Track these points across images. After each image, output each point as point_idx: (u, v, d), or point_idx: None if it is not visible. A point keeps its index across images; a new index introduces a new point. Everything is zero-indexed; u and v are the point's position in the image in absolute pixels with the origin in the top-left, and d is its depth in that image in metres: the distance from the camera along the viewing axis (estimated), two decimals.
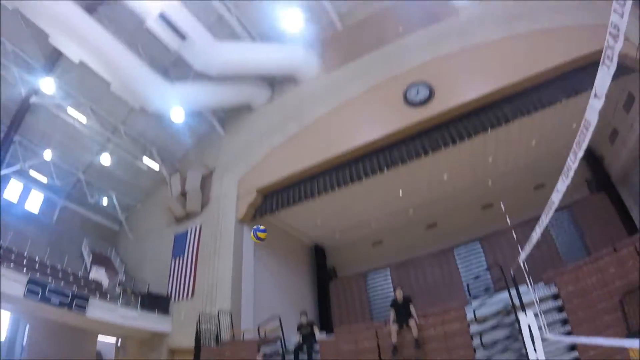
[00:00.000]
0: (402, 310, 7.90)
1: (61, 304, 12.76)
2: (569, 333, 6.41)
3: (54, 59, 15.14)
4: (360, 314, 17.02)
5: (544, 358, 5.30)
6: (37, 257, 15.18)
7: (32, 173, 18.71)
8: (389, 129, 12.82)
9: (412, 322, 7.53)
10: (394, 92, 13.06)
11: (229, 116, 17.70)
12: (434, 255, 16.87)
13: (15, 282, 11.80)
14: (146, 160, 18.66)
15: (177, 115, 15.13)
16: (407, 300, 8.06)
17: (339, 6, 15.89)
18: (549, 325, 5.94)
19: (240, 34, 15.88)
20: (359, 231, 17.82)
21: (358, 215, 16.47)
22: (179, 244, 16.18)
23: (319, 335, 9.08)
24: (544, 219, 4.61)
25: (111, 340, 19.82)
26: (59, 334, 16.52)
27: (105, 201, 21.66)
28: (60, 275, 14.90)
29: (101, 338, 19.31)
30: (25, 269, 12.97)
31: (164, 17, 12.98)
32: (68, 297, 12.96)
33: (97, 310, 13.79)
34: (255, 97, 16.94)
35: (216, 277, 14.09)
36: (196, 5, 14.08)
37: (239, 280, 13.71)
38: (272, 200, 14.14)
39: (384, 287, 17.19)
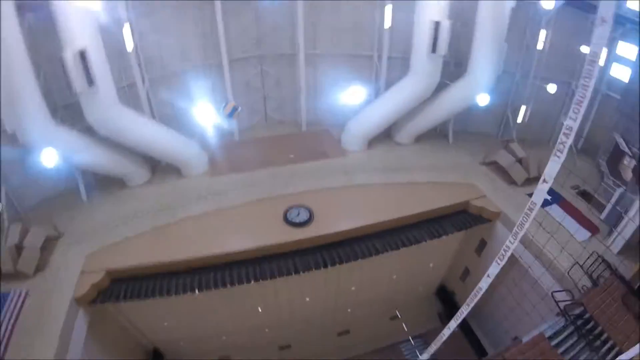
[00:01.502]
0: None
1: None
2: None
3: None
4: None
5: None
6: None
7: None
8: (263, 242, 13.05)
9: None
10: (274, 210, 13.80)
11: (99, 184, 16.21)
12: None
13: None
14: None
15: (49, 159, 13.29)
16: None
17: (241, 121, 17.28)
18: None
19: (144, 109, 15.80)
20: (207, 343, 17.02)
21: (210, 324, 15.84)
22: None
23: None
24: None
25: None
26: None
27: None
28: None
29: None
30: None
31: (83, 55, 12.15)
32: None
33: None
34: (133, 175, 16.08)
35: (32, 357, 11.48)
36: (117, 63, 13.98)
37: None
38: (121, 288, 12.63)
39: None
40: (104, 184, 16.09)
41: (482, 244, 15.34)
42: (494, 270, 3.60)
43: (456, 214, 14.25)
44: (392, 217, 13.58)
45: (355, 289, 15.72)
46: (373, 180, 15.20)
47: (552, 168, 3.13)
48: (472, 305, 3.94)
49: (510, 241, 3.60)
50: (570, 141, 2.91)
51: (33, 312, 12.61)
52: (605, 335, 9.48)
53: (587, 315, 9.87)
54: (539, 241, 12.29)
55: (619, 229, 12.46)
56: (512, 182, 15.48)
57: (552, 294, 10.80)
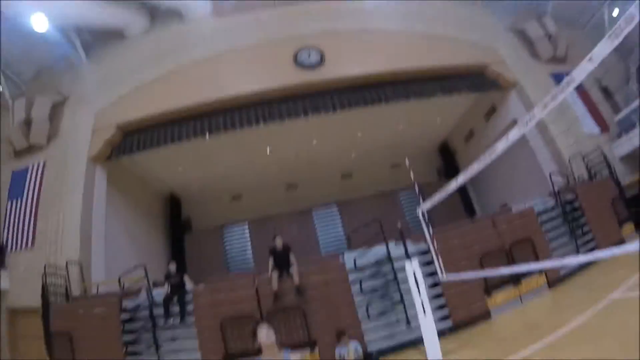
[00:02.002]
0: (282, 259, 7.95)
1: None
2: (437, 283, 7.71)
3: None
4: (216, 267, 17.10)
5: (427, 299, 6.04)
6: None
7: None
8: (272, 84, 12.44)
9: (293, 270, 7.65)
10: (284, 51, 12.91)
11: (96, 41, 14.61)
12: (293, 215, 17.97)
13: None
14: None
15: (39, 24, 12.23)
16: (286, 249, 8.10)
17: None
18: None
19: None
20: (219, 183, 17.66)
21: (221, 166, 16.15)
22: (17, 183, 13.59)
23: (190, 284, 8.56)
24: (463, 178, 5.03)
25: None
26: None
27: None
28: None
29: None
30: None
31: None
32: None
33: None
34: (131, 24, 14.28)
35: (62, 223, 12.21)
36: None
37: (88, 228, 12.11)
38: (133, 139, 12.46)
39: (241, 242, 17.80)
40: (101, 39, 14.55)
41: (492, 110, 14.95)
42: (514, 135, 3.16)
43: (472, 75, 13.53)
44: (406, 67, 12.92)
45: (361, 135, 15.68)
46: (391, 25, 13.82)
47: (603, 49, 2.54)
48: (484, 164, 3.67)
49: (536, 111, 3.24)
50: (629, 29, 2.36)
51: (53, 180, 12.86)
52: (587, 228, 9.51)
53: (576, 204, 9.96)
54: (548, 119, 11.89)
55: (630, 134, 12.14)
56: (536, 55, 14.39)
57: (549, 174, 10.67)
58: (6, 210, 13.59)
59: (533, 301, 7.99)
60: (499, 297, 7.96)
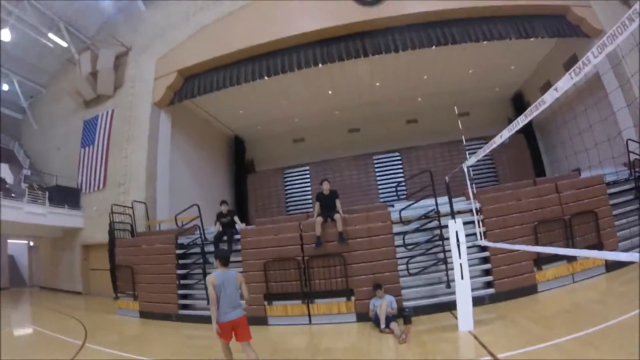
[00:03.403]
0: (327, 204, 7.63)
1: None
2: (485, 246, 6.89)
3: None
4: (276, 208, 17.41)
5: (467, 262, 5.56)
6: None
7: None
8: (333, 22, 11.62)
9: (337, 216, 7.31)
10: None
11: None
12: (354, 159, 17.40)
13: None
14: (52, 37, 15.80)
15: None
16: (333, 194, 7.76)
17: None
18: (468, 235, 6.09)
19: None
20: (282, 126, 17.61)
21: (283, 109, 15.90)
22: (89, 131, 14.36)
23: (240, 225, 8.60)
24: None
25: (23, 242, 18.58)
26: None
27: (5, 87, 18.81)
28: None
29: (12, 241, 18.09)
30: None
31: None
32: None
33: (2, 210, 12.06)
34: None
35: (130, 165, 12.91)
36: None
37: (154, 169, 12.69)
38: (194, 84, 12.63)
39: (302, 184, 17.64)
40: None
41: (573, 60, 12.61)
42: (564, 83, 2.21)
43: (552, 17, 11.69)
44: (478, 4, 11.31)
45: (427, 78, 14.41)
46: None
47: None
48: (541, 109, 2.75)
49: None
50: None
51: (121, 126, 13.54)
52: None
53: None
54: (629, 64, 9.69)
55: None
56: (627, 4, 11.61)
57: (627, 141, 8.74)
58: (80, 156, 14.34)
59: (586, 282, 6.92)
60: (550, 271, 6.92)
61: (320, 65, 11.66)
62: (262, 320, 7.38)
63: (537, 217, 7.14)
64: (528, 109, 3.25)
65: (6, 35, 15.27)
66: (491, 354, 4.19)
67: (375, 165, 17.07)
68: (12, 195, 13.22)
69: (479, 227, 5.70)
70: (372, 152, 17.11)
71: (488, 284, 6.93)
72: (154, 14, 14.28)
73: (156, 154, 12.78)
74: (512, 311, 5.86)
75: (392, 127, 17.13)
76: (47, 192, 13.83)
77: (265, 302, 7.49)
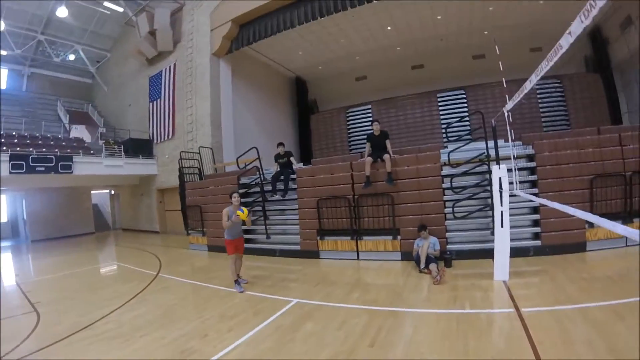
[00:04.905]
0: (378, 144, 7.69)
1: (47, 170, 12.89)
2: (535, 195, 6.44)
3: None
4: (339, 147, 17.79)
5: (508, 210, 5.34)
6: (14, 132, 14.82)
7: None
8: None
9: (386, 157, 7.34)
10: None
11: None
12: (417, 97, 16.80)
13: None
14: (108, 4, 16.83)
15: None
16: (383, 135, 7.76)
17: None
18: (519, 183, 5.85)
19: None
20: (343, 64, 17.48)
21: (343, 48, 15.76)
22: (155, 86, 15.60)
23: (296, 165, 9.01)
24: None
25: (105, 191, 20.78)
26: (54, 200, 17.14)
27: (72, 57, 20.47)
28: (40, 142, 14.68)
29: (95, 191, 20.28)
30: (4, 147, 12.46)
31: None
32: (52, 161, 13.02)
33: (84, 167, 14.02)
34: None
35: (195, 114, 14.03)
36: None
37: (218, 116, 13.70)
38: (249, 31, 13.11)
39: (364, 123, 17.39)
40: None
41: None
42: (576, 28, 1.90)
43: None
44: None
45: (493, 9, 13.36)
46: None
47: None
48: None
49: None
50: None
51: (184, 78, 14.52)
52: None
53: None
54: None
55: None
56: None
57: None
58: (149, 110, 15.62)
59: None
60: (602, 230, 6.33)
61: (374, 1, 11.19)
62: (314, 254, 7.87)
63: (597, 169, 6.55)
64: (550, 52, 2.72)
65: (63, 11, 16.56)
66: (516, 307, 4.14)
67: (440, 104, 16.30)
68: (91, 152, 14.90)
69: (515, 174, 5.33)
70: (436, 89, 16.38)
71: (536, 236, 6.61)
72: None
73: (219, 101, 13.74)
74: (554, 267, 5.65)
75: (457, 63, 16.11)
76: (122, 146, 15.48)
77: (318, 237, 7.90)
